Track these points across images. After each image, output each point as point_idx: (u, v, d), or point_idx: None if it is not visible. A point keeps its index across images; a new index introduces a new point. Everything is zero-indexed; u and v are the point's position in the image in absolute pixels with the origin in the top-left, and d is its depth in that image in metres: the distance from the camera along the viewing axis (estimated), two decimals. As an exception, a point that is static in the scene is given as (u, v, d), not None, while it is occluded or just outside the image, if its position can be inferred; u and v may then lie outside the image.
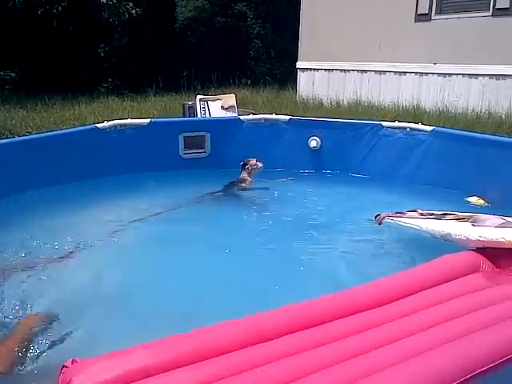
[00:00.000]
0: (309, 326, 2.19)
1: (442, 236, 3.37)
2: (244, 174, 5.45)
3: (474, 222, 3.45)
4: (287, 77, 14.35)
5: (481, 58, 8.81)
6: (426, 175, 5.45)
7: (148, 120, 5.86)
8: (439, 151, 5.39)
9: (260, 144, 6.08)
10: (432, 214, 3.88)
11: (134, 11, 14.19)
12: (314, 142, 6.03)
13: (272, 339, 2.09)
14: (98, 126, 5.60)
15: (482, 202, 4.68)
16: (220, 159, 6.02)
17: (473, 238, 3.09)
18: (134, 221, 4.39)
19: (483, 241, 3.03)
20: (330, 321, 2.24)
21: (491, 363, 1.99)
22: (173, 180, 5.51)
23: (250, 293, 3.06)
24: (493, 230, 3.18)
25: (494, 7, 8.65)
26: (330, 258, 3.73)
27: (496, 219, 3.41)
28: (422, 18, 9.74)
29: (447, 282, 2.71)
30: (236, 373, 1.87)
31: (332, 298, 2.44)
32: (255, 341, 2.07)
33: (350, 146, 5.95)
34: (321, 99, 11.21)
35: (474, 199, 4.73)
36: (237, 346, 2.03)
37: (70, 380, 1.75)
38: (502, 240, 2.93)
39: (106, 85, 14.43)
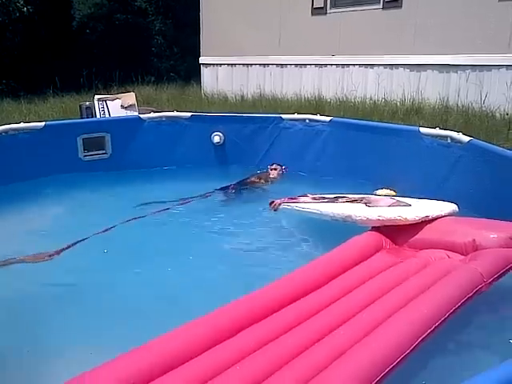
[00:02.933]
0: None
1: (342, 218, 3.47)
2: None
3: (368, 203, 3.61)
4: (191, 73, 14.27)
5: (375, 49, 9.15)
6: (328, 165, 5.57)
7: (43, 123, 5.59)
8: (338, 141, 5.53)
9: (162, 142, 5.99)
10: (324, 198, 3.98)
11: (25, 9, 13.62)
12: (217, 138, 6.01)
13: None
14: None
15: (393, 193, 4.61)
16: (122, 160, 5.86)
17: (373, 218, 3.26)
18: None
19: (382, 220, 3.23)
20: (242, 327, 2.21)
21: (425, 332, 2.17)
22: (74, 183, 5.31)
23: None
24: (389, 210, 3.38)
25: (384, 0, 9.00)
26: (236, 255, 3.71)
27: (387, 199, 3.65)
28: (318, 11, 9.98)
29: (359, 263, 2.87)
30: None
31: (246, 299, 2.41)
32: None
33: (253, 140, 5.99)
34: (225, 94, 11.22)
35: (383, 192, 4.67)
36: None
37: None
38: (399, 218, 3.17)
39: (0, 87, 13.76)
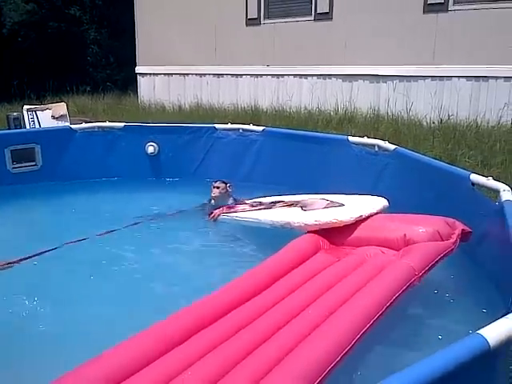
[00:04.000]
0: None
1: (281, 225, 3.60)
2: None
3: (304, 207, 3.74)
4: (128, 82, 14.11)
5: (308, 59, 9.33)
6: (261, 174, 5.66)
7: (-33, 135, 5.44)
8: (271, 150, 5.62)
9: (95, 153, 5.91)
10: (261, 204, 4.08)
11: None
12: (151, 148, 5.97)
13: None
14: None
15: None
16: (53, 171, 5.75)
17: (310, 223, 3.41)
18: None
19: (319, 224, 3.36)
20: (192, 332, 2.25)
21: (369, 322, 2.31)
22: (2, 197, 5.16)
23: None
24: (324, 213, 3.51)
25: (315, 12, 9.20)
26: (179, 267, 3.70)
27: (321, 201, 3.77)
28: (252, 22, 10.10)
29: (299, 265, 2.98)
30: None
31: (194, 306, 2.45)
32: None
33: (188, 150, 5.99)
34: (163, 104, 11.17)
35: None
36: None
37: None
38: (335, 221, 3.32)
39: None
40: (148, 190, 5.76)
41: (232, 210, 4.24)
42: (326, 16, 9.04)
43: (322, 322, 2.30)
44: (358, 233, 3.32)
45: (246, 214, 4.06)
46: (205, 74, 11.08)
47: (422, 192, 4.09)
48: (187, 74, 11.42)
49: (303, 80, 9.57)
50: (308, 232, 3.41)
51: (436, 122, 7.22)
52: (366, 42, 8.60)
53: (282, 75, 9.82)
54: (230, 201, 4.63)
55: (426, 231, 3.09)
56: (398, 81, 8.36)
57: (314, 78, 9.39)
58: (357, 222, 3.36)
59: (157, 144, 5.98)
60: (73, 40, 17.20)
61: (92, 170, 5.88)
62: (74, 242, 3.86)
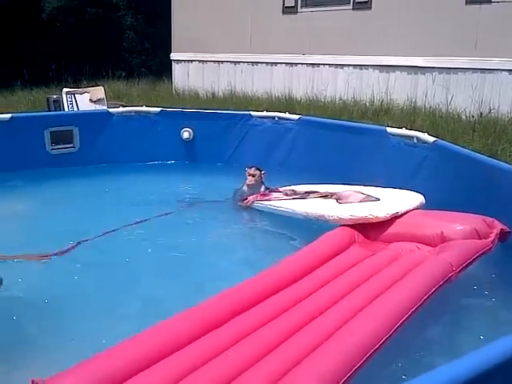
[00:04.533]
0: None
1: (315, 217, 3.61)
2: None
3: (339, 199, 3.72)
4: (163, 68, 14.15)
5: (345, 49, 9.23)
6: (296, 162, 5.64)
7: (9, 115, 5.52)
8: (306, 139, 5.59)
9: (131, 137, 5.98)
10: (295, 193, 4.08)
11: (-8, -1, 13.32)
12: (186, 134, 6.01)
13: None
14: None
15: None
16: (90, 154, 5.83)
17: (345, 217, 3.39)
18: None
19: (354, 219, 3.34)
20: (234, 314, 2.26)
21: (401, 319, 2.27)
22: (41, 177, 5.26)
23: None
24: (360, 207, 3.49)
25: (354, 1, 9.09)
26: (212, 254, 3.71)
27: (357, 194, 3.73)
28: (289, 10, 10.02)
29: (333, 257, 2.96)
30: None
31: (234, 291, 2.46)
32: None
33: (223, 137, 6.01)
34: (196, 91, 11.19)
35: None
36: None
37: None
38: (371, 216, 3.30)
39: (-34, 79, 13.44)
40: (182, 175, 5.82)
41: (266, 197, 4.23)
42: (365, 5, 8.92)
43: (354, 316, 2.28)
44: (394, 228, 3.30)
45: (280, 202, 4.06)
46: (239, 62, 11.06)
47: (462, 185, 4.02)
48: (222, 62, 11.42)
49: (339, 70, 9.48)
50: (342, 225, 3.39)
51: (476, 116, 7.07)
52: (405, 33, 8.47)
53: (318, 64, 9.74)
54: (262, 188, 4.60)
55: (463, 229, 3.07)
56: (437, 72, 8.22)
57: (350, 67, 9.28)
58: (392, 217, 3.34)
59: (192, 130, 6.00)
60: (109, 25, 17.31)
61: (127, 153, 5.94)
62: (110, 231, 3.85)
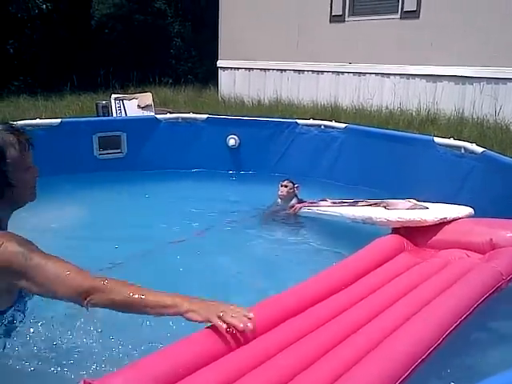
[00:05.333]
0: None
1: (363, 220, 3.61)
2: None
3: (388, 206, 3.70)
4: (209, 76, 14.33)
5: (392, 58, 9.16)
6: (342, 172, 5.60)
7: (59, 120, 5.66)
8: (353, 148, 5.55)
9: (178, 143, 6.04)
10: (343, 202, 4.07)
11: (44, 6, 13.70)
12: (232, 141, 6.04)
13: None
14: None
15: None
16: (137, 159, 5.91)
17: (393, 220, 3.37)
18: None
19: (402, 221, 3.31)
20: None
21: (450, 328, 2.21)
22: (89, 182, 5.35)
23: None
24: (408, 212, 3.47)
25: (402, 10, 9.02)
26: (262, 259, 3.73)
27: (406, 203, 3.70)
28: (336, 19, 10.01)
29: (383, 263, 2.90)
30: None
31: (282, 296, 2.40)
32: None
33: (268, 145, 6.02)
34: (242, 98, 11.27)
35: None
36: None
37: None
38: (419, 219, 3.26)
39: (16, 83, 13.87)
40: (226, 182, 5.84)
41: (313, 204, 4.25)
42: (413, 14, 8.84)
43: (402, 323, 2.22)
44: (442, 235, 3.24)
45: (327, 208, 4.07)
46: (285, 70, 11.11)
47: (510, 197, 3.93)
48: (268, 69, 11.48)
49: (385, 79, 9.41)
50: (392, 232, 3.37)
51: (525, 127, 6.92)
52: (454, 42, 8.35)
53: (364, 73, 9.69)
54: (294, 201, 4.57)
55: None
56: (485, 82, 8.07)
57: (397, 77, 9.21)
58: (441, 224, 3.28)
59: (238, 137, 6.03)
60: (157, 33, 17.63)
61: (174, 160, 5.99)
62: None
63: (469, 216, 3.49)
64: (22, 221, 4.26)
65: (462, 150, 4.59)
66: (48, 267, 1.89)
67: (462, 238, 3.15)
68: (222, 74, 12.57)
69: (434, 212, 3.41)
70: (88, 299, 1.86)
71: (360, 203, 3.97)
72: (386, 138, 5.29)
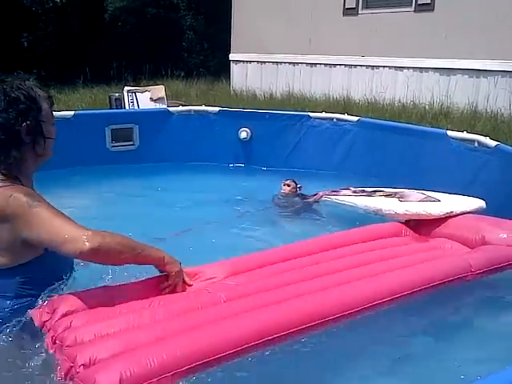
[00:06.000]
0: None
1: (373, 211, 3.75)
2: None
3: (401, 198, 3.80)
4: (221, 69, 14.31)
5: (405, 51, 9.10)
6: (354, 165, 5.59)
7: (72, 112, 5.70)
8: (365, 141, 5.54)
9: (190, 136, 6.06)
10: (364, 191, 4.18)
11: (58, -1, 13.78)
12: (244, 134, 6.04)
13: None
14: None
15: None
16: (149, 152, 5.94)
17: (400, 212, 3.49)
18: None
19: (408, 214, 3.45)
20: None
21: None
22: (101, 173, 5.39)
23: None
24: (416, 204, 3.57)
25: (416, 3, 8.96)
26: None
27: (418, 194, 3.81)
28: (349, 12, 9.96)
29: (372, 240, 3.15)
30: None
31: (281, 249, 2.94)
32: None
33: (280, 137, 6.01)
34: (254, 91, 11.26)
35: None
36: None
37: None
38: (424, 213, 3.39)
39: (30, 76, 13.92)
40: (238, 175, 5.86)
41: (335, 193, 4.34)
42: (428, 7, 8.77)
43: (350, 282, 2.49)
44: (441, 228, 3.34)
45: (346, 197, 4.16)
46: (298, 63, 11.08)
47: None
48: (280, 63, 11.45)
49: (398, 72, 9.35)
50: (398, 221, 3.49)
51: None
52: (468, 35, 8.28)
53: (377, 67, 9.64)
54: (297, 199, 4.67)
55: (507, 236, 3.02)
56: (499, 76, 7.99)
57: (410, 70, 9.15)
58: (446, 217, 3.36)
59: (250, 130, 6.03)
60: (170, 26, 17.62)
61: (185, 152, 6.02)
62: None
63: (478, 209, 3.53)
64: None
65: (476, 144, 4.57)
66: (53, 218, 1.99)
67: (457, 232, 3.24)
68: (234, 67, 12.56)
69: (442, 206, 3.48)
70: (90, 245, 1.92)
71: (377, 193, 4.05)
72: (399, 131, 5.28)
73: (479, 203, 3.59)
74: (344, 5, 10.01)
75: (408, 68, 9.17)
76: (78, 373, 1.66)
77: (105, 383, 1.54)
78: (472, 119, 7.44)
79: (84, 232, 1.94)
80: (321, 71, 10.66)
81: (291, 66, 11.22)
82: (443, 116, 7.85)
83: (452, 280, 2.61)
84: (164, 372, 1.67)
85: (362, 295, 2.35)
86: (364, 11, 9.79)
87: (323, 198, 4.38)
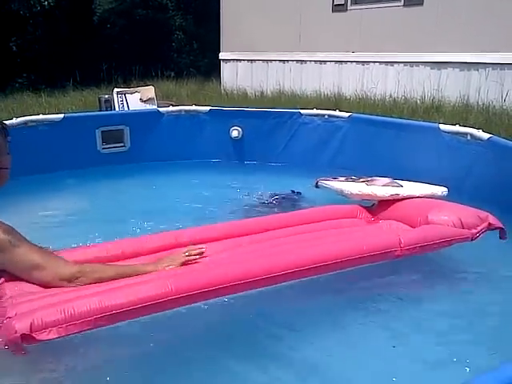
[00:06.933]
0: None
1: (339, 192, 4.02)
2: None
3: (368, 182, 4.05)
4: (211, 68, 14.29)
5: (395, 46, 9.09)
6: (346, 161, 5.54)
7: (62, 115, 5.63)
8: (357, 137, 5.51)
9: (181, 136, 6.01)
10: (351, 178, 4.30)
11: (46, 2, 13.74)
12: (235, 132, 6.00)
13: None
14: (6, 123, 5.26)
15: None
16: (141, 153, 5.88)
17: (354, 193, 3.84)
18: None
19: (359, 194, 3.81)
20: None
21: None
22: (92, 176, 5.34)
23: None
24: (373, 188, 3.87)
25: (405, -3, 8.94)
26: None
27: (385, 179, 4.06)
28: (338, 8, 9.94)
29: (320, 220, 3.52)
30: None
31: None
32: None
33: (272, 135, 5.97)
34: (245, 90, 11.22)
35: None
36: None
37: None
38: (372, 193, 3.76)
39: (20, 80, 13.89)
40: (230, 173, 5.78)
41: (328, 179, 4.37)
42: (417, 1, 8.73)
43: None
44: (392, 210, 3.64)
45: (335, 183, 4.24)
46: (288, 61, 11.05)
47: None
48: (270, 61, 11.42)
49: (389, 67, 9.34)
50: (372, 205, 3.84)
51: (532, 113, 6.84)
52: (458, 28, 8.27)
53: (368, 62, 9.62)
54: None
55: (447, 218, 3.23)
56: (490, 68, 7.98)
57: (401, 65, 9.14)
58: (398, 200, 3.67)
59: (241, 128, 5.99)
60: (159, 27, 17.56)
61: (177, 152, 5.97)
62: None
63: (440, 196, 3.79)
64: (29, 215, 4.34)
65: (468, 137, 4.55)
66: (33, 255, 2.25)
67: (405, 214, 3.50)
68: (224, 67, 12.52)
69: (393, 189, 3.78)
70: (76, 281, 2.30)
71: (360, 180, 4.19)
72: (390, 126, 5.25)
73: (441, 190, 3.82)
74: (333, 1, 9.98)
75: (398, 63, 9.16)
76: (3, 323, 2.07)
77: (20, 327, 2.00)
78: (464, 112, 7.42)
79: (73, 272, 2.30)
80: (311, 68, 10.63)
81: (281, 63, 11.19)
82: (435, 110, 7.83)
83: (382, 254, 2.82)
84: (71, 320, 2.08)
85: (288, 261, 2.62)
86: (353, 7, 9.77)
87: (319, 183, 4.38)
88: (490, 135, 4.38)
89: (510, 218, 3.43)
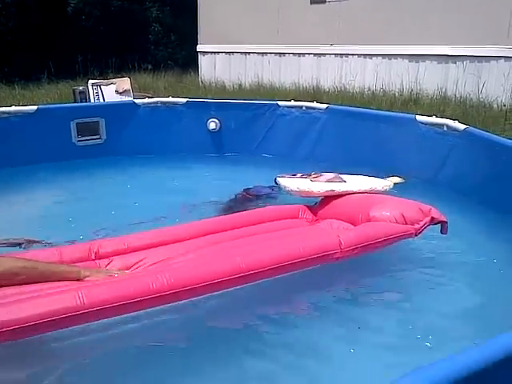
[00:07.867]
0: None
1: (285, 190, 3.89)
2: None
3: (313, 178, 3.90)
4: (189, 61, 14.17)
5: (373, 39, 9.09)
6: (324, 152, 5.54)
7: (35, 107, 5.52)
8: (335, 128, 5.50)
9: (157, 128, 5.94)
10: (305, 176, 4.12)
11: (18, -8, 13.40)
12: (212, 124, 5.95)
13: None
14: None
15: (399, 180, 4.51)
16: (116, 145, 5.80)
17: (293, 189, 3.72)
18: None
19: (298, 191, 3.69)
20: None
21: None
22: (67, 169, 5.26)
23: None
24: (314, 184, 3.74)
25: (383, -12, 8.94)
26: None
27: (330, 175, 3.91)
28: (317, 0, 9.88)
29: (263, 222, 3.40)
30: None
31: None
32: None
33: (250, 127, 5.94)
34: (223, 82, 11.17)
35: (393, 179, 4.38)
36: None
37: None
38: (308, 189, 3.63)
39: (-8, 73, 13.58)
40: (207, 165, 5.75)
41: (287, 176, 4.22)
42: (395, -7, 8.77)
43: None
44: (333, 208, 3.52)
45: (284, 180, 4.09)
46: (266, 53, 11.00)
47: (492, 174, 3.93)
48: (248, 53, 11.36)
49: (367, 60, 9.35)
50: (316, 203, 3.72)
51: (507, 105, 6.90)
52: (435, 21, 8.30)
53: (346, 55, 9.62)
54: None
55: (389, 214, 3.11)
56: (468, 61, 8.04)
57: (379, 57, 9.15)
58: (340, 197, 3.55)
59: (218, 120, 5.94)
60: (135, 18, 17.35)
61: (154, 145, 5.90)
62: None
63: (384, 190, 3.67)
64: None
65: (445, 128, 4.58)
66: None
67: (347, 211, 3.39)
68: (202, 59, 12.43)
69: (329, 185, 3.65)
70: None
71: (311, 176, 4.03)
72: (368, 117, 5.26)
73: (383, 184, 3.72)
74: (311, -7, 9.95)
75: (377, 55, 9.17)
76: None
77: None
78: (441, 105, 7.47)
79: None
80: (289, 60, 10.60)
81: (260, 56, 11.14)
82: (413, 102, 7.87)
83: (320, 257, 2.68)
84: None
85: (218, 270, 2.46)
86: (331, -1, 9.75)
87: (277, 179, 4.22)
88: (466, 126, 4.41)
89: (483, 207, 3.46)
